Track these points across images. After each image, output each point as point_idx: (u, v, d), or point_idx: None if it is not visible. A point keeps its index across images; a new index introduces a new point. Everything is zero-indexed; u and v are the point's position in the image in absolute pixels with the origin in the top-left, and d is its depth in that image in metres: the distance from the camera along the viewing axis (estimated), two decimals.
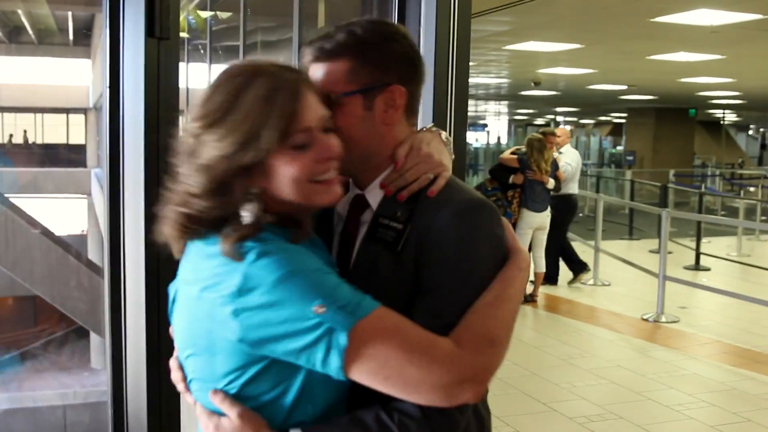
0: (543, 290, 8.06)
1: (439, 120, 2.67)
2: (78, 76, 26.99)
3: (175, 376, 1.35)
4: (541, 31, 9.46)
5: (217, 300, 1.16)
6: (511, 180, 7.41)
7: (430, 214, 1.28)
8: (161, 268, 1.86)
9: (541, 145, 7.33)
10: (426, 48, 2.65)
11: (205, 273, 1.20)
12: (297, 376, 1.21)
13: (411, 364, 1.16)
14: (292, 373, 1.21)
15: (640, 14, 7.90)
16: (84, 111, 27.71)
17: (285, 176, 1.22)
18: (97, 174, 22.90)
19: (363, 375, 1.16)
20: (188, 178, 1.21)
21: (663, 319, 7.31)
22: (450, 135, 2.77)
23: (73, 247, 16.61)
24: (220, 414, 1.24)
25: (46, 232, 14.91)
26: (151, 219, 1.83)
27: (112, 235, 1.86)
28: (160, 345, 1.86)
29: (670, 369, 5.98)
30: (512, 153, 7.68)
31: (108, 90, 1.82)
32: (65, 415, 14.35)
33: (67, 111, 28.89)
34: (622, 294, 8.59)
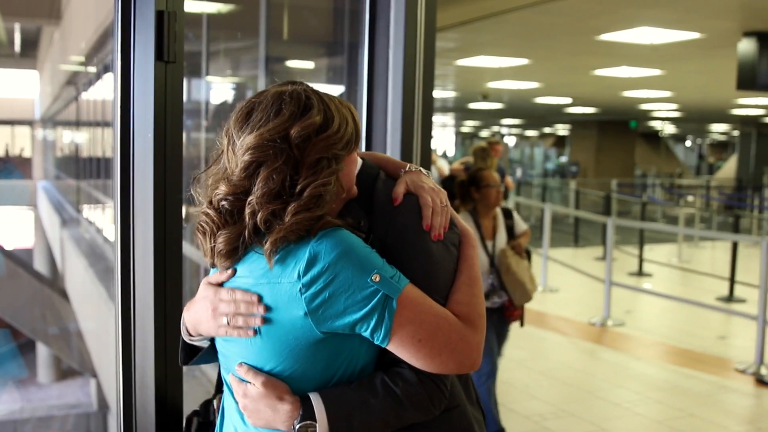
0: None
1: (406, 130, 2.87)
2: (24, 88, 26.53)
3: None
4: (489, 47, 9.73)
5: (284, 285, 1.34)
6: None
7: (386, 217, 1.50)
8: (168, 283, 2.03)
9: (484, 154, 7.59)
10: (395, 62, 2.84)
11: (263, 268, 1.37)
12: (343, 361, 1.41)
13: (439, 329, 1.40)
14: (339, 355, 1.40)
15: (585, 32, 8.22)
16: (30, 123, 27.31)
17: (351, 172, 1.49)
18: (43, 186, 22.62)
19: (402, 338, 1.36)
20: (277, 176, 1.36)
21: (609, 322, 7.63)
22: (417, 144, 2.98)
23: (22, 258, 16.41)
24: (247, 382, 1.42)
25: None
26: (160, 232, 2.01)
27: (123, 247, 2.02)
28: (167, 348, 2.02)
29: (618, 369, 6.28)
30: (461, 164, 7.97)
31: (119, 109, 1.98)
32: (15, 430, 14.15)
33: (11, 123, 28.38)
34: (569, 299, 8.91)
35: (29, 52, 23.74)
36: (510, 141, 37.04)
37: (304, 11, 5.04)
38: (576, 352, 6.84)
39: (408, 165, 1.64)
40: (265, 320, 1.38)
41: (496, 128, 36.36)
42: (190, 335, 1.54)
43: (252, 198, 1.37)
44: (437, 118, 31.80)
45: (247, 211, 1.37)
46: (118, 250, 2.01)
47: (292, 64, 5.85)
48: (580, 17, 7.51)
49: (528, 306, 4.49)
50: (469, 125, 36.22)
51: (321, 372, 1.41)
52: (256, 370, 1.42)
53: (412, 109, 2.87)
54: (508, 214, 4.50)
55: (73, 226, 14.07)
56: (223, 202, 1.40)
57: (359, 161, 1.58)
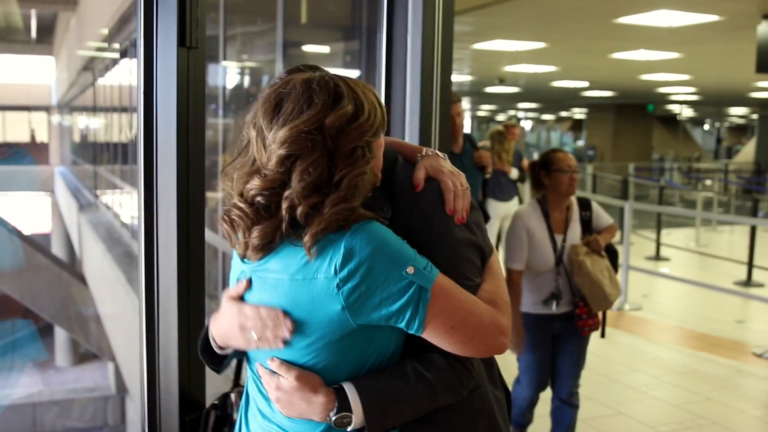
0: None
1: (425, 115, 2.87)
2: (41, 74, 26.62)
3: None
4: (505, 31, 9.68)
5: (320, 281, 1.35)
6: None
7: (409, 204, 1.51)
8: (191, 266, 2.05)
9: (501, 137, 7.56)
10: (413, 46, 2.84)
11: (299, 263, 1.37)
12: (375, 350, 1.43)
13: (471, 315, 1.42)
14: (371, 344, 1.42)
15: (602, 15, 8.17)
16: (46, 109, 27.42)
17: (380, 158, 1.50)
18: (61, 172, 22.75)
19: (436, 327, 1.38)
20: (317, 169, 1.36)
21: (627, 307, 7.62)
22: (436, 127, 2.98)
23: (40, 244, 16.52)
24: (279, 375, 1.43)
25: (14, 230, 14.83)
26: (183, 217, 2.03)
27: (147, 232, 2.04)
28: (190, 334, 2.05)
29: (635, 353, 6.27)
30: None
31: (142, 95, 2.00)
32: (34, 413, 14.29)
33: (29, 109, 28.51)
34: None
35: (46, 38, 23.81)
36: (526, 125, 36.89)
37: None
38: (593, 336, 6.83)
39: (424, 149, 1.64)
40: (299, 320, 1.38)
41: (512, 112, 36.24)
42: (221, 347, 1.55)
43: (290, 192, 1.36)
44: None
45: (285, 205, 1.36)
46: (142, 235, 2.04)
47: (309, 48, 5.85)
48: (598, 0, 7.46)
49: None
50: (485, 109, 36.12)
51: (353, 362, 1.43)
52: (289, 364, 1.43)
53: (430, 93, 2.87)
54: (585, 204, 3.88)
55: (90, 211, 14.17)
56: (259, 198, 1.38)
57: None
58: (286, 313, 1.39)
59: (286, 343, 1.40)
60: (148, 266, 2.05)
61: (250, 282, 1.46)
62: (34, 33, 23.36)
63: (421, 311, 1.37)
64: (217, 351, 1.57)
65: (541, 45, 10.68)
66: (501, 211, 7.68)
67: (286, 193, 1.36)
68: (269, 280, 1.42)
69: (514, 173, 7.62)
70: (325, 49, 5.57)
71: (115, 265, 8.88)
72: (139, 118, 2.02)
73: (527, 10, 8.22)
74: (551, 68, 14.24)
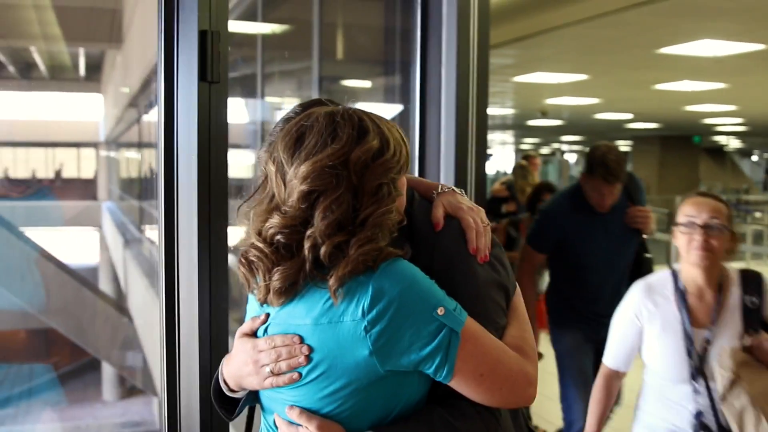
0: None
1: (461, 149, 2.80)
2: (89, 110, 27.13)
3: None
4: (546, 63, 9.60)
5: (347, 324, 1.27)
6: (503, 209, 7.45)
7: (429, 244, 1.43)
8: (213, 307, 2.00)
9: (523, 171, 7.40)
10: (447, 79, 2.78)
11: (323, 306, 1.30)
12: (402, 397, 1.34)
13: (500, 363, 1.34)
14: (399, 391, 1.34)
15: (645, 46, 8.04)
16: (95, 145, 27.90)
17: (404, 196, 1.43)
18: (108, 207, 23.07)
19: (465, 374, 1.31)
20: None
21: None
22: (472, 162, 2.90)
23: (87, 279, 16.71)
24: (298, 425, 1.35)
25: (61, 265, 15.03)
26: (204, 256, 1.98)
27: (168, 268, 2.00)
28: (211, 365, 1.99)
29: None
30: (501, 183, 7.79)
31: (163, 130, 1.96)
32: None
33: (77, 145, 29.07)
34: None
35: (94, 75, 24.28)
36: (571, 158, 36.58)
37: (357, 30, 5.02)
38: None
39: (440, 185, 1.57)
40: (324, 368, 1.31)
41: (556, 145, 35.98)
42: (233, 390, 1.48)
43: (313, 230, 1.29)
44: (496, 136, 31.61)
45: (307, 244, 1.29)
46: (162, 276, 2.00)
47: (348, 83, 5.84)
48: (640, 31, 7.34)
49: None
50: (528, 143, 35.91)
51: (379, 409, 1.35)
52: (310, 413, 1.35)
53: (466, 127, 2.81)
54: (752, 282, 2.52)
55: (135, 246, 14.28)
56: (279, 236, 1.32)
57: None
58: (302, 339, 1.31)
59: (301, 376, 1.32)
60: (169, 310, 2.00)
61: (267, 317, 1.39)
62: (82, 71, 23.85)
63: (451, 356, 1.29)
64: (228, 394, 1.49)
65: (583, 77, 10.56)
66: None
67: (309, 232, 1.29)
68: (290, 326, 1.34)
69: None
70: (365, 83, 5.55)
71: (158, 301, 8.90)
72: (159, 154, 1.99)
73: (568, 42, 8.13)
74: (594, 100, 14.09)
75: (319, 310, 1.31)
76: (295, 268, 1.31)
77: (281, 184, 1.33)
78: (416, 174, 3.00)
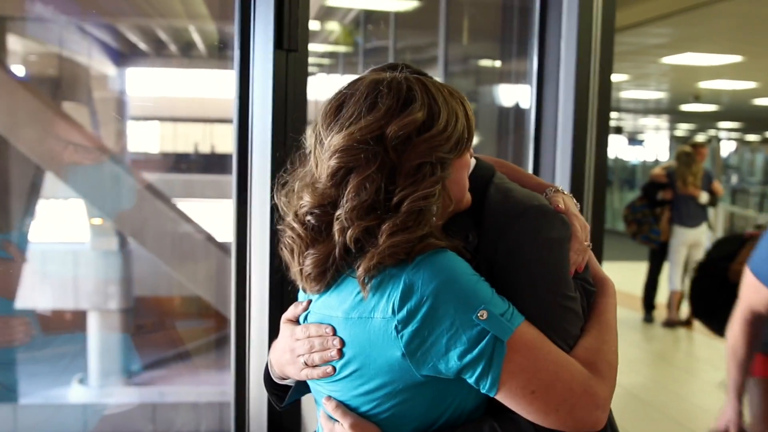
0: None
1: (578, 134, 2.58)
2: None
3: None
4: (699, 43, 9.01)
5: (377, 321, 1.13)
6: (659, 196, 7.12)
7: (498, 232, 1.22)
8: (285, 283, 1.88)
9: (688, 159, 6.98)
10: (566, 62, 2.57)
11: (354, 299, 1.16)
12: (449, 406, 1.18)
13: (558, 379, 1.13)
14: (444, 399, 1.18)
15: None
16: None
17: (461, 179, 1.23)
18: None
19: (513, 389, 1.12)
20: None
21: None
22: (591, 149, 2.67)
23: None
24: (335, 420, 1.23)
25: (209, 237, 15.53)
26: (276, 234, 1.86)
27: (239, 242, 1.89)
28: None
29: None
30: (663, 169, 7.40)
31: (237, 102, 1.85)
32: (221, 411, 14.85)
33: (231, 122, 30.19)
34: None
35: None
36: (728, 146, 34.77)
37: (484, 7, 4.81)
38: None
39: (552, 186, 1.36)
40: (357, 365, 1.16)
41: (712, 132, 34.24)
42: (281, 377, 1.36)
43: (341, 212, 1.14)
44: (649, 121, 30.42)
45: (336, 227, 1.15)
46: (234, 250, 1.89)
47: (473, 61, 5.64)
48: None
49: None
50: (682, 129, 34.34)
51: (422, 415, 1.18)
52: (345, 408, 1.21)
53: (585, 111, 2.58)
54: None
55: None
56: (309, 217, 1.18)
57: (471, 164, 1.32)
58: (335, 331, 1.18)
59: (335, 370, 1.19)
60: (239, 283, 1.90)
61: (308, 304, 1.26)
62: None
63: (495, 368, 1.10)
64: (276, 380, 1.37)
65: (738, 58, 9.86)
66: (688, 239, 7.10)
67: (337, 213, 1.14)
68: (325, 317, 1.20)
69: (703, 197, 7.01)
70: (489, 62, 5.33)
71: None
72: (234, 127, 1.87)
73: (724, 20, 7.58)
74: (751, 84, 13.19)
75: (350, 303, 1.16)
76: (325, 252, 1.17)
77: (319, 158, 1.19)
78: (531, 158, 2.82)
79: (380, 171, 1.13)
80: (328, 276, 1.19)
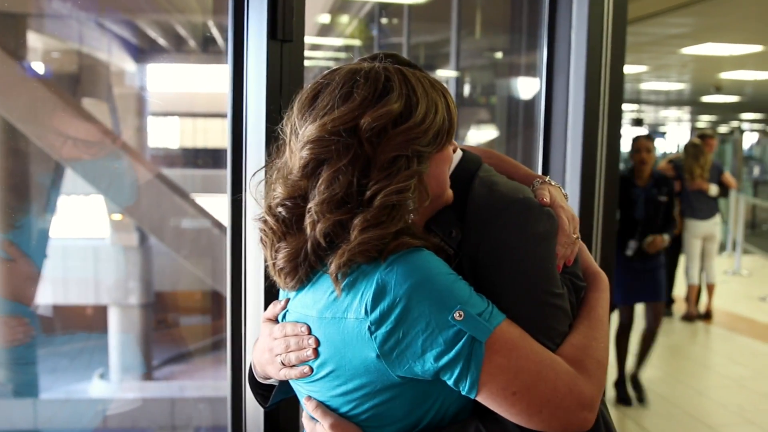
0: (720, 306, 7.57)
1: (590, 129, 2.54)
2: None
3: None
4: (720, 33, 8.89)
5: (351, 321, 1.10)
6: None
7: (481, 228, 1.19)
8: None
9: (696, 151, 6.86)
10: (577, 54, 2.53)
11: (328, 298, 1.14)
12: (431, 407, 1.16)
13: (541, 379, 1.09)
14: (424, 401, 1.15)
15: None
16: None
17: (441, 173, 1.20)
18: None
19: (493, 390, 1.08)
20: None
21: None
22: (603, 138, 2.63)
23: None
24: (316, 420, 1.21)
25: (224, 230, 15.52)
26: None
27: (234, 236, 1.87)
28: None
29: None
30: (669, 161, 7.31)
31: (231, 94, 1.82)
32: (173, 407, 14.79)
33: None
34: None
35: None
36: (751, 137, 34.38)
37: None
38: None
39: (540, 177, 1.33)
40: (333, 366, 1.14)
41: (734, 123, 33.86)
42: (265, 378, 1.34)
43: (311, 204, 1.11)
44: (670, 113, 30.16)
45: (307, 220, 1.12)
46: (229, 245, 1.87)
47: (487, 54, 5.59)
48: None
49: (760, 319, 3.78)
50: (704, 120, 33.99)
51: (403, 417, 1.15)
52: (326, 408, 1.19)
53: (596, 103, 2.54)
54: None
55: None
56: (280, 209, 1.15)
57: (457, 156, 1.28)
58: (310, 330, 1.15)
59: (312, 370, 1.16)
60: (235, 279, 1.87)
61: (287, 303, 1.24)
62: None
63: (474, 370, 1.06)
64: (259, 380, 1.35)
65: (758, 48, 9.71)
66: (701, 231, 7.00)
67: (309, 206, 1.11)
68: (301, 315, 1.18)
69: (713, 190, 6.90)
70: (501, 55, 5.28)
71: None
72: (228, 120, 1.84)
73: (746, 8, 7.45)
74: None
75: (324, 302, 1.14)
76: (296, 246, 1.14)
77: (292, 149, 1.16)
78: (540, 152, 2.77)
79: (353, 163, 1.09)
80: (301, 272, 1.16)
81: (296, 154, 1.14)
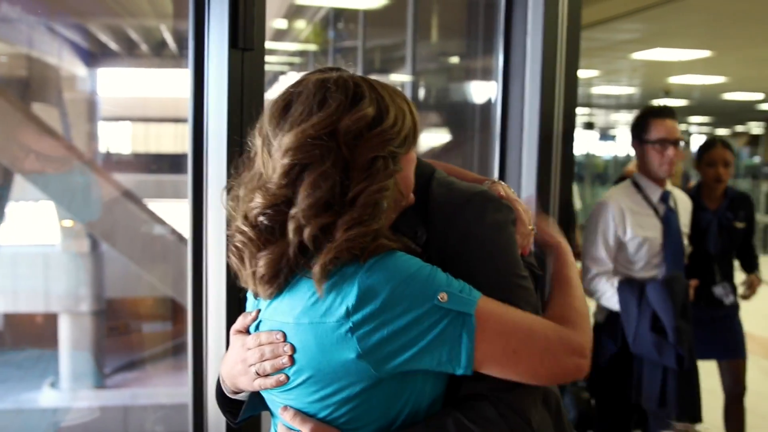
0: None
1: (546, 132, 2.58)
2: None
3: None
4: (669, 38, 9.07)
5: (328, 325, 1.12)
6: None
7: (446, 225, 1.26)
8: (242, 288, 1.86)
9: None
10: (533, 58, 2.56)
11: (306, 302, 1.15)
12: (405, 403, 1.18)
13: (534, 332, 1.16)
14: (400, 396, 1.18)
15: None
16: None
17: (410, 174, 1.25)
18: None
19: (494, 355, 1.14)
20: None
21: None
22: (559, 141, 2.68)
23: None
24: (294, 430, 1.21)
25: (181, 237, 15.40)
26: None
27: (195, 243, 1.86)
28: None
29: None
30: (636, 165, 7.38)
31: (192, 102, 1.82)
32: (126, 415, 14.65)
33: (177, 121, 29.96)
34: (757, 313, 8.03)
35: None
36: (699, 140, 35.06)
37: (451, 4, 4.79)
38: (762, 374, 6.10)
39: (489, 180, 1.40)
40: (310, 373, 1.15)
41: (683, 126, 34.53)
42: (234, 392, 1.33)
43: (296, 210, 1.13)
44: (621, 117, 30.62)
45: (291, 226, 1.13)
46: (190, 252, 1.87)
47: (441, 59, 5.63)
48: None
49: None
50: None
51: (380, 417, 1.18)
52: (304, 415, 1.19)
53: (551, 107, 2.58)
54: None
55: None
56: (261, 217, 1.16)
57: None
58: (285, 336, 1.16)
59: (288, 378, 1.17)
60: (196, 284, 1.87)
61: (258, 313, 1.24)
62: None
63: (466, 343, 1.11)
64: (229, 395, 1.34)
65: (706, 53, 9.93)
66: None
67: (292, 212, 1.13)
68: (276, 323, 1.19)
69: None
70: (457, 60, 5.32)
71: None
72: (189, 126, 1.84)
73: (693, 15, 7.62)
74: (720, 79, 13.29)
75: (302, 308, 1.15)
76: (278, 253, 1.16)
77: (267, 158, 1.18)
78: (497, 155, 2.81)
79: (335, 166, 1.12)
80: (281, 278, 1.18)
81: (275, 162, 1.15)
